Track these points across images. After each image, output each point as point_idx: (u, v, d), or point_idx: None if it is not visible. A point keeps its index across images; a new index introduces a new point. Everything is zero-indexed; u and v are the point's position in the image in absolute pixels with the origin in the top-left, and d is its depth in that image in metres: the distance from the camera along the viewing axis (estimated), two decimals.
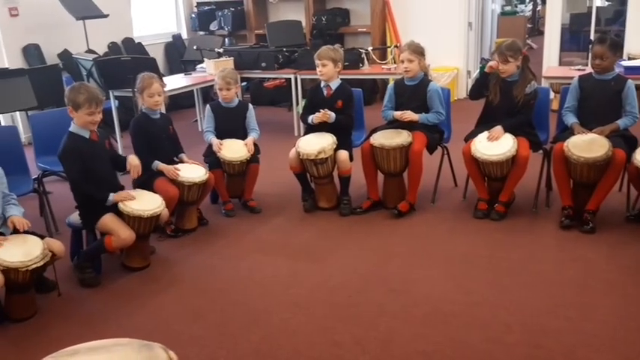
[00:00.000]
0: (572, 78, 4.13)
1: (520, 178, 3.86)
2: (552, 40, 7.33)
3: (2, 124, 5.17)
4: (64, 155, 3.30)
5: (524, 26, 12.55)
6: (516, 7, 14.02)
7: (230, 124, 4.29)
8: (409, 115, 4.05)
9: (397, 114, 4.11)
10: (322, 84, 4.26)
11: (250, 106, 4.45)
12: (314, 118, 4.15)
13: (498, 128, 3.85)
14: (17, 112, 6.02)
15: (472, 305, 2.91)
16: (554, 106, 4.92)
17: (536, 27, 14.56)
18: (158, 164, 3.79)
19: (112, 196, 3.32)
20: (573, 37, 9.41)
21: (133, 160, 3.51)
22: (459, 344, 2.61)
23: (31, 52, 6.58)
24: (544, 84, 5.32)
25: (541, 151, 4.06)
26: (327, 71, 4.16)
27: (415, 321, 2.81)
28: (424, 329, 2.73)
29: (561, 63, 7.30)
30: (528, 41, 12.53)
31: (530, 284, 3.09)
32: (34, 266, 2.86)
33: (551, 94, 4.60)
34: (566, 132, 3.88)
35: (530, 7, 14.68)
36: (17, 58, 6.48)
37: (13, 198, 3.18)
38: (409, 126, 4.08)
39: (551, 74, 5.68)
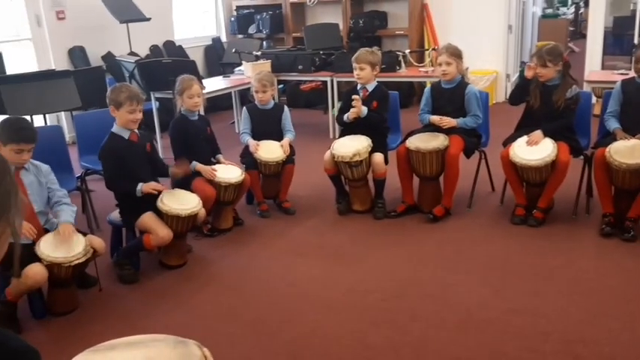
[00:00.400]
0: (614, 82, 4.03)
1: (560, 183, 3.78)
2: (595, 43, 7.15)
3: (48, 123, 5.33)
4: (102, 154, 3.42)
5: (566, 29, 12.28)
6: (558, 9, 13.71)
7: (266, 126, 4.33)
8: (448, 122, 4.00)
9: (435, 119, 4.06)
10: (359, 86, 4.26)
11: (286, 107, 4.49)
12: (349, 114, 4.13)
13: (538, 133, 3.78)
14: (62, 112, 6.21)
15: (508, 312, 2.87)
16: (596, 110, 4.81)
17: (578, 30, 14.21)
18: (196, 164, 3.86)
19: (141, 186, 3.37)
20: (616, 41, 9.15)
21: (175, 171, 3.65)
22: (494, 352, 2.57)
23: (77, 54, 6.78)
24: (586, 88, 5.20)
25: (582, 157, 3.97)
26: (365, 75, 4.16)
27: (450, 327, 2.78)
28: (459, 336, 2.70)
29: (604, 67, 7.10)
30: (570, 44, 12.24)
31: (569, 292, 3.02)
32: (76, 262, 2.94)
33: (594, 99, 4.50)
34: (607, 137, 3.78)
35: (572, 9, 14.35)
36: (63, 60, 6.68)
37: (66, 197, 3.22)
38: (446, 129, 4.04)
39: (594, 78, 5.55)
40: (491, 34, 7.57)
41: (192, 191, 3.68)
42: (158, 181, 3.55)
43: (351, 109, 4.09)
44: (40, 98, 4.80)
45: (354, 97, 4.07)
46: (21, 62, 6.42)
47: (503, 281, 3.18)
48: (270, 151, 4.21)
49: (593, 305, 2.89)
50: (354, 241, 3.83)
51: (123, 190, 3.44)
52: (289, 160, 4.28)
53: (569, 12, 14.04)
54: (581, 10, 14.38)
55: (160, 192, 3.44)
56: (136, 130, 3.48)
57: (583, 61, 7.32)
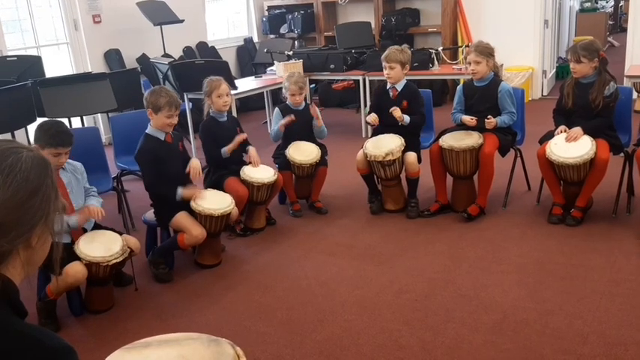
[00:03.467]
0: None
1: (598, 182, 3.67)
2: (636, 37, 6.92)
3: (85, 125, 5.46)
4: (139, 156, 3.45)
5: (605, 23, 11.94)
6: (596, 2, 13.34)
7: (298, 126, 4.32)
8: (492, 124, 3.90)
9: (467, 120, 3.96)
10: (388, 86, 4.22)
11: (315, 107, 4.48)
12: (398, 116, 4.03)
13: (577, 129, 3.68)
14: (99, 114, 6.34)
15: (545, 314, 2.80)
16: (638, 106, 4.67)
17: (618, 24, 13.82)
18: (226, 150, 3.89)
19: (181, 190, 3.42)
20: None
21: (193, 162, 3.57)
22: (530, 354, 2.51)
23: (112, 56, 6.92)
24: (626, 83, 5.05)
25: (622, 154, 3.85)
26: (395, 74, 4.12)
27: (484, 328, 2.73)
28: (494, 337, 2.66)
29: None
30: (610, 39, 11.92)
31: (609, 293, 2.94)
32: (114, 261, 3.00)
33: (634, 94, 4.36)
34: None
35: (611, 2, 13.95)
36: (99, 63, 6.83)
37: (94, 190, 3.33)
38: (480, 128, 3.97)
39: (634, 73, 5.37)
40: (527, 29, 7.41)
41: (224, 191, 3.71)
42: (191, 182, 3.61)
43: (397, 111, 4.03)
44: (77, 100, 4.92)
45: (392, 110, 4.02)
46: (59, 65, 6.59)
47: (540, 282, 3.11)
48: (304, 152, 4.21)
49: (634, 307, 2.80)
50: (386, 241, 3.80)
51: (163, 193, 3.46)
52: (322, 161, 4.27)
53: (608, 5, 13.64)
54: (621, 2, 13.97)
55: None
56: (170, 131, 3.52)
57: (623, 55, 7.11)
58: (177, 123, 3.50)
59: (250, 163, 4.02)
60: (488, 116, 3.91)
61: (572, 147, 3.64)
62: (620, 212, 3.87)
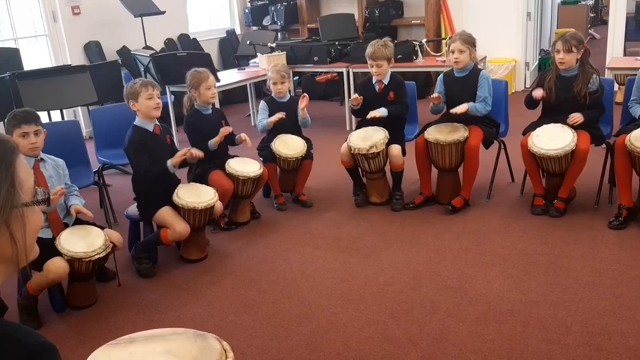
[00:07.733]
0: (637, 69, 3.95)
1: (579, 173, 3.71)
2: (616, 29, 6.99)
3: (65, 118, 5.37)
4: (130, 147, 3.39)
5: (587, 15, 12.05)
6: None
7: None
8: (460, 109, 3.90)
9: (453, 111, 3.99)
10: (374, 80, 4.20)
11: (306, 98, 4.44)
12: (369, 117, 4.06)
13: (578, 114, 3.67)
14: (79, 107, 6.25)
15: (530, 304, 2.82)
16: (619, 98, 4.71)
17: (599, 16, 13.97)
18: (211, 142, 3.84)
19: (170, 162, 3.38)
20: (639, 27, 8.98)
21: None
22: (515, 344, 2.53)
23: (92, 49, 6.81)
24: (608, 75, 5.10)
25: (604, 146, 3.88)
26: (383, 71, 4.10)
27: (470, 319, 2.74)
28: (479, 328, 2.67)
29: (626, 53, 6.96)
30: (591, 31, 12.03)
31: (592, 283, 2.97)
32: (96, 257, 2.96)
33: (616, 86, 4.39)
34: (631, 125, 3.69)
35: None
36: (79, 55, 6.72)
37: (75, 189, 3.30)
38: (465, 120, 3.98)
39: (616, 65, 5.43)
40: (510, 21, 7.45)
41: (209, 185, 3.67)
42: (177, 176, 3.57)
43: (372, 113, 4.02)
44: (56, 94, 4.83)
45: (369, 117, 4.00)
46: (37, 58, 6.48)
47: (524, 272, 3.14)
48: (290, 146, 4.18)
49: (617, 296, 2.83)
50: (371, 234, 3.80)
51: (158, 175, 3.40)
52: (308, 155, 4.25)
53: None
54: None
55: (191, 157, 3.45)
56: (158, 123, 3.47)
57: (604, 47, 7.18)
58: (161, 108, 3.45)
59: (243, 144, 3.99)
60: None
61: (553, 139, 3.66)
62: (602, 203, 3.91)
